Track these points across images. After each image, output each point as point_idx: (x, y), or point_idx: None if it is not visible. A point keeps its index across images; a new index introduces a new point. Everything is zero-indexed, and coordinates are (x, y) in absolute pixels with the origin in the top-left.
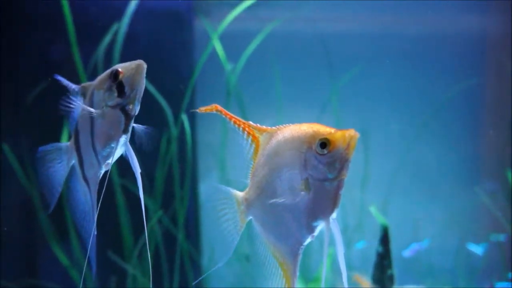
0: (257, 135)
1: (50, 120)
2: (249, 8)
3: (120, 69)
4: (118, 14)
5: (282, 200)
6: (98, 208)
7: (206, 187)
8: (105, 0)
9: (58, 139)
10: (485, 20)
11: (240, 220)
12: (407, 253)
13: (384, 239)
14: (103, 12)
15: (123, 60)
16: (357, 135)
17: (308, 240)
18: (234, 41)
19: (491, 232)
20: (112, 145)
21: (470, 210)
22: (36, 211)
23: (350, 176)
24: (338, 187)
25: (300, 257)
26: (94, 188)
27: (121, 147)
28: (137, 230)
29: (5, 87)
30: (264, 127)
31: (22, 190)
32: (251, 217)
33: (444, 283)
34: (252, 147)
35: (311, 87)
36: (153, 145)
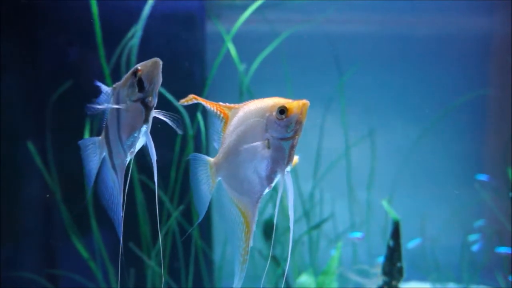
0: (226, 111)
1: (73, 118)
2: (258, 10)
3: (139, 67)
4: (130, 17)
5: (248, 158)
6: (125, 192)
7: (191, 157)
8: (119, 2)
9: (81, 137)
10: (491, 20)
11: (212, 181)
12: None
13: (395, 233)
14: (116, 15)
15: (139, 61)
16: (308, 103)
17: (267, 190)
18: (243, 42)
19: (494, 229)
20: (135, 135)
21: (473, 207)
22: (58, 206)
23: (357, 173)
24: (293, 145)
25: (259, 205)
26: (121, 174)
27: (143, 136)
28: (155, 225)
29: (30, 87)
30: (232, 105)
31: (45, 186)
32: (220, 178)
33: (448, 278)
34: (222, 122)
35: (318, 87)
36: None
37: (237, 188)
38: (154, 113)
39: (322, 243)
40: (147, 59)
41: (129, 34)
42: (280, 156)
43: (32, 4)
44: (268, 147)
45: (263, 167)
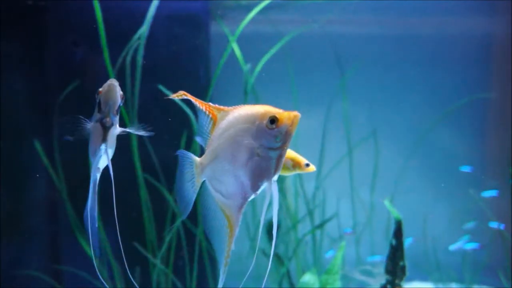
0: (215, 113)
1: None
2: (262, 10)
3: (100, 89)
4: (135, 18)
5: (235, 163)
6: (115, 205)
7: (179, 153)
8: (124, 3)
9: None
10: (492, 21)
11: (197, 180)
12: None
13: (398, 232)
14: (122, 16)
15: (145, 64)
16: (299, 115)
17: (252, 196)
18: (247, 42)
19: (500, 230)
20: (97, 153)
21: (475, 207)
22: (64, 204)
23: (359, 173)
24: (281, 155)
25: (243, 210)
26: (92, 189)
27: (104, 153)
28: (160, 224)
29: (37, 87)
30: (221, 107)
31: (51, 184)
32: (205, 179)
33: (449, 279)
34: (210, 123)
35: (321, 87)
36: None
37: (222, 191)
38: (119, 131)
39: (325, 242)
40: (151, 60)
41: (136, 36)
42: (267, 165)
43: (38, 5)
44: (256, 155)
45: (249, 175)
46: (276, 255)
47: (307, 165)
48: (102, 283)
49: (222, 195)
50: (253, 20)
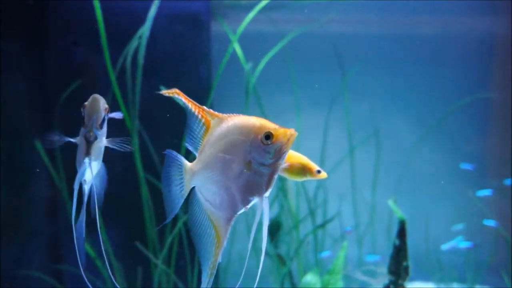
0: (209, 118)
1: (80, 118)
2: (263, 10)
3: (85, 103)
4: (136, 17)
5: (227, 175)
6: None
7: (167, 153)
8: (125, 2)
9: None
10: (494, 21)
11: (186, 186)
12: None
13: (401, 232)
14: (122, 15)
15: (146, 63)
16: (296, 133)
17: (242, 210)
18: (247, 42)
19: (498, 229)
20: (81, 166)
21: (477, 208)
22: (65, 204)
23: (361, 173)
24: (274, 172)
25: (232, 223)
26: (76, 201)
27: (88, 167)
28: (162, 223)
29: (38, 87)
30: (216, 113)
31: (52, 184)
32: (194, 185)
33: (451, 279)
34: (203, 128)
35: (322, 87)
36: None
37: (211, 201)
38: (105, 144)
39: (327, 242)
40: (152, 60)
41: (136, 35)
42: (259, 180)
43: (39, 5)
44: (249, 169)
45: (240, 189)
46: (278, 255)
47: (319, 171)
48: (97, 284)
49: (211, 205)
50: (254, 19)
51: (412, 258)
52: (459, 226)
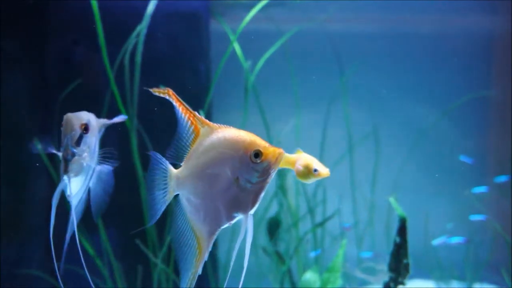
0: (199, 126)
1: None
2: (262, 8)
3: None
4: (135, 16)
5: (213, 188)
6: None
7: (152, 155)
8: (124, 2)
9: None
10: (493, 20)
11: (169, 192)
12: None
13: (402, 229)
14: (121, 14)
15: (143, 62)
16: (284, 153)
17: (226, 225)
18: (247, 40)
19: (496, 227)
20: (60, 183)
21: (477, 205)
22: (65, 203)
23: (360, 171)
24: (260, 190)
25: (215, 237)
26: (53, 215)
27: (68, 184)
28: (162, 222)
29: (37, 86)
30: (207, 121)
31: (52, 184)
32: (178, 193)
33: (451, 276)
34: (192, 135)
35: (322, 85)
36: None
37: (195, 212)
38: (86, 160)
39: (326, 240)
40: (151, 58)
41: (134, 34)
42: (245, 197)
43: (39, 4)
44: (235, 185)
45: (225, 204)
46: (277, 253)
47: (315, 170)
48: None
49: (195, 216)
50: (253, 18)
51: (411, 256)
52: (449, 226)
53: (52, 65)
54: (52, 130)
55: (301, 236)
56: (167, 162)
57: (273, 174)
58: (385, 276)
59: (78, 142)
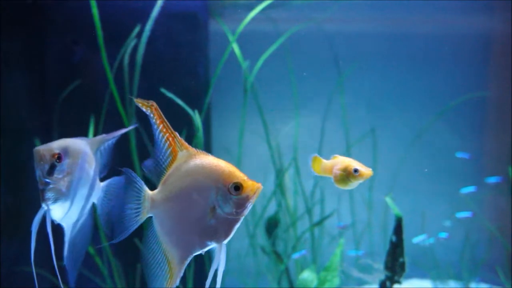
0: (177, 149)
1: (79, 116)
2: (262, 9)
3: None
4: (134, 17)
5: (188, 215)
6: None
7: (126, 172)
8: (123, 2)
9: (86, 134)
10: (491, 20)
11: (142, 213)
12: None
13: (398, 228)
14: (122, 15)
15: (144, 62)
16: (261, 187)
17: (198, 252)
18: (245, 40)
19: (496, 226)
20: (38, 212)
21: (474, 205)
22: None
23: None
24: (236, 221)
25: (187, 262)
26: (33, 241)
27: (48, 210)
28: None
29: (37, 86)
30: (186, 144)
31: None
32: (151, 215)
33: (448, 276)
34: (169, 158)
35: (320, 85)
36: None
37: (168, 237)
38: (65, 187)
39: (325, 240)
40: (150, 58)
41: (133, 34)
42: (220, 227)
43: (38, 4)
44: (211, 215)
45: (200, 232)
46: (275, 252)
47: (356, 170)
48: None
49: (167, 239)
50: (252, 18)
51: (408, 255)
52: (447, 223)
53: (52, 65)
54: (52, 130)
55: (299, 235)
56: (142, 182)
57: (249, 208)
58: (381, 275)
59: (51, 172)
